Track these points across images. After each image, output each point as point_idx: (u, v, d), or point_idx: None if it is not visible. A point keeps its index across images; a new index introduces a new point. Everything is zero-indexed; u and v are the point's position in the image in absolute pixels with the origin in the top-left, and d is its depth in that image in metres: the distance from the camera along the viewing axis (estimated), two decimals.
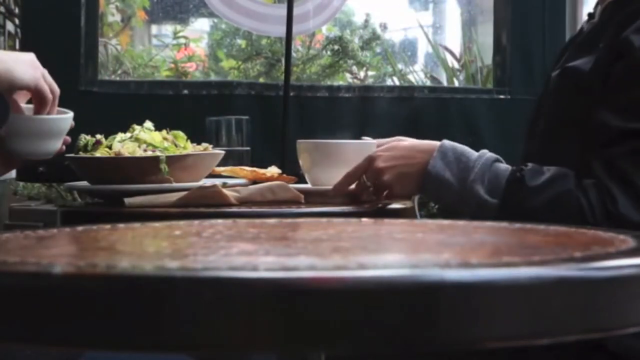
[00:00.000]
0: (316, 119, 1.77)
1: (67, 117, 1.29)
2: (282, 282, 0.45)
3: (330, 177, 1.35)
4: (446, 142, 1.24)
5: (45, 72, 1.25)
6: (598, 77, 1.15)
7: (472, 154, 1.22)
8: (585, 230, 0.72)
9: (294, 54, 3.26)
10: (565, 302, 0.48)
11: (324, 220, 0.88)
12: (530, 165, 1.18)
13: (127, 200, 1.34)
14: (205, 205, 1.31)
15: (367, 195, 1.33)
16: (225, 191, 1.34)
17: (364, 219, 0.88)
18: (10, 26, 3.16)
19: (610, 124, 1.12)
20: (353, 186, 1.32)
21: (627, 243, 0.61)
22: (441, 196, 1.24)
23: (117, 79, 3.26)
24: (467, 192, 1.19)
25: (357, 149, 1.38)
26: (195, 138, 1.52)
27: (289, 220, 0.91)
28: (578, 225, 1.12)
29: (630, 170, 1.11)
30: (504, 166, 1.21)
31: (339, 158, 1.39)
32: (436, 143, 1.24)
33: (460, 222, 0.86)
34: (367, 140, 1.42)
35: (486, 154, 1.22)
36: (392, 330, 0.45)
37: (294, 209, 1.28)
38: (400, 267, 0.51)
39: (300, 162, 1.45)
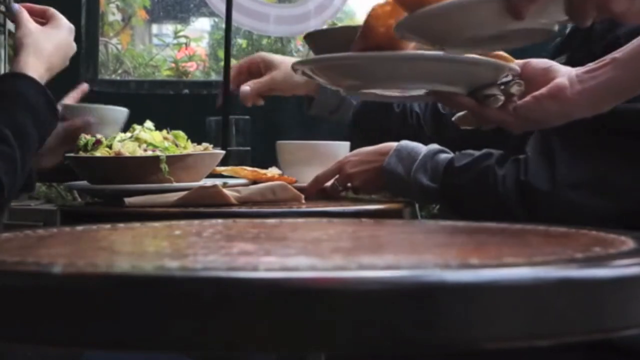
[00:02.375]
0: (316, 119, 1.76)
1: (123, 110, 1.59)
2: (282, 282, 0.45)
3: (306, 176, 1.49)
4: (404, 142, 1.37)
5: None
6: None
7: (422, 148, 1.34)
8: (586, 232, 0.72)
9: (294, 54, 3.25)
10: (566, 303, 0.48)
11: (324, 220, 0.88)
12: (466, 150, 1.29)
13: (127, 200, 1.34)
14: (205, 205, 1.31)
15: (338, 194, 1.46)
16: (226, 191, 1.34)
17: (364, 219, 0.88)
18: (10, 25, 3.16)
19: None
20: (328, 183, 1.45)
21: (628, 244, 0.61)
22: (396, 189, 1.37)
23: (118, 78, 3.26)
24: (412, 180, 1.31)
25: (329, 150, 1.54)
26: (195, 138, 1.52)
27: (289, 220, 0.91)
28: (494, 197, 1.18)
29: (557, 149, 1.17)
30: (446, 155, 1.31)
31: (313, 157, 1.54)
32: (395, 144, 1.37)
33: (461, 223, 0.86)
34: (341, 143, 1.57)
35: (432, 146, 1.34)
36: (393, 331, 0.45)
37: (294, 209, 1.27)
38: (400, 267, 0.51)
39: (279, 161, 1.59)
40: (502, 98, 1.05)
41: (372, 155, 1.40)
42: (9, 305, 0.47)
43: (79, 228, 0.80)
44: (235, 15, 2.32)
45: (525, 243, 0.70)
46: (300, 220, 0.95)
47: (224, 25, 1.96)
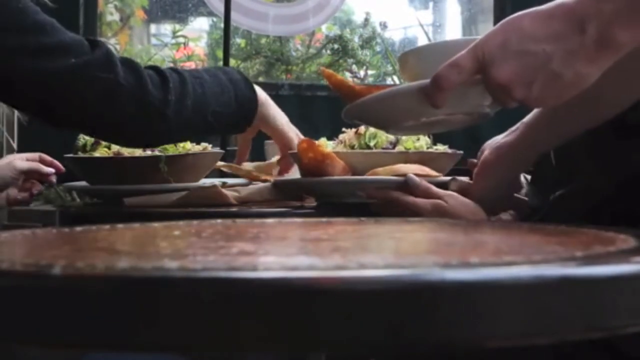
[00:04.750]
0: (316, 118, 1.77)
1: None
2: (282, 282, 0.45)
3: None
4: None
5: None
6: None
7: None
8: (586, 230, 0.72)
9: (293, 53, 3.25)
10: (567, 301, 0.48)
11: (324, 219, 0.88)
12: None
13: (127, 200, 1.34)
14: (205, 205, 1.31)
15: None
16: (225, 191, 1.34)
17: (364, 219, 0.88)
18: None
19: None
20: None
21: (628, 242, 0.61)
22: None
23: None
24: None
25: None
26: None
27: (289, 220, 0.91)
28: None
29: None
30: None
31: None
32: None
33: (461, 222, 0.86)
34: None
35: None
36: (393, 330, 0.44)
37: (294, 209, 1.27)
38: (400, 266, 0.51)
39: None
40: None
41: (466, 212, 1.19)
42: (9, 306, 0.47)
43: (78, 229, 0.80)
44: (233, 14, 2.32)
45: (525, 242, 0.70)
46: (299, 220, 0.95)
47: (222, 25, 1.97)
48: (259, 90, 1.35)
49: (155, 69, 1.24)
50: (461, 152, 1.38)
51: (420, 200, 1.20)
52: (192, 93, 1.22)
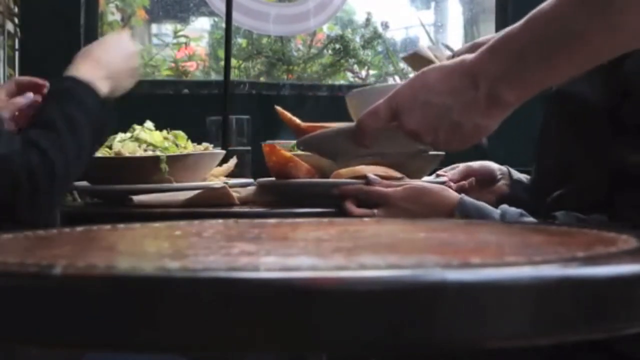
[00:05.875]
0: (317, 119, 1.76)
1: None
2: (283, 282, 0.45)
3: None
4: (465, 198, 1.25)
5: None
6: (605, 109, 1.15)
7: (490, 209, 1.21)
8: (587, 230, 0.72)
9: (294, 53, 3.25)
10: (568, 302, 0.47)
11: (325, 220, 0.88)
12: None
13: (136, 198, 1.34)
14: (212, 206, 1.32)
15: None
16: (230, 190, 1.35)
17: (366, 219, 0.88)
18: (10, 26, 3.16)
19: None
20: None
21: (630, 243, 0.61)
22: None
23: None
24: None
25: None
26: (195, 138, 1.52)
27: (290, 220, 0.90)
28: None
29: None
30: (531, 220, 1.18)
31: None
32: (454, 200, 1.24)
33: (462, 222, 0.85)
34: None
35: (509, 210, 1.19)
36: (394, 331, 0.44)
37: (294, 209, 1.27)
38: (401, 267, 0.50)
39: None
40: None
41: (428, 211, 1.25)
42: (9, 306, 0.47)
43: (79, 229, 0.80)
44: (235, 14, 2.32)
45: (527, 242, 0.70)
46: (300, 220, 0.95)
47: (223, 25, 1.96)
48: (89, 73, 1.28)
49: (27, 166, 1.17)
50: (442, 153, 1.38)
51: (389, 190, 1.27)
52: (61, 176, 1.18)
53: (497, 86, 0.82)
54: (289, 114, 1.23)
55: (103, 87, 1.27)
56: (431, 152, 1.39)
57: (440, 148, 0.94)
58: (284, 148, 1.40)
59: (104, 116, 1.26)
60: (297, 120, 1.22)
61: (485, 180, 1.51)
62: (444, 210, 1.24)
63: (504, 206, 1.21)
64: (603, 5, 0.76)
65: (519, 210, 1.19)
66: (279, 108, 1.37)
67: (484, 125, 0.87)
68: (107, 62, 1.31)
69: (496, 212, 1.19)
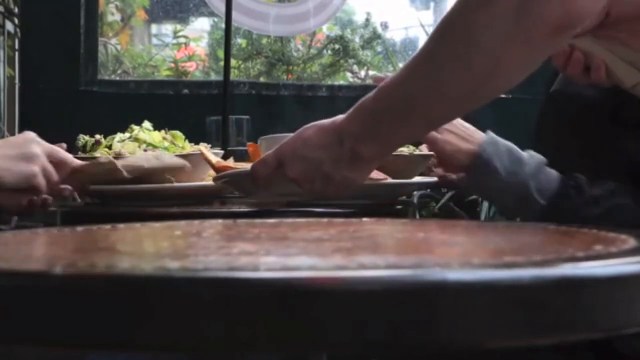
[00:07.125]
0: (316, 119, 1.76)
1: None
2: (283, 282, 0.45)
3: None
4: (491, 133, 1.22)
5: (52, 149, 1.27)
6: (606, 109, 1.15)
7: (520, 151, 1.20)
8: (587, 230, 0.72)
9: (294, 53, 3.26)
10: (568, 302, 0.47)
11: (324, 220, 0.88)
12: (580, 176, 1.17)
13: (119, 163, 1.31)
14: (100, 182, 1.32)
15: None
16: (118, 163, 1.29)
17: (365, 219, 0.88)
18: (9, 26, 3.16)
19: None
20: None
21: (629, 242, 0.61)
22: (483, 181, 1.19)
23: (117, 78, 3.26)
24: (515, 185, 1.16)
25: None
26: (195, 138, 1.52)
27: (290, 220, 0.91)
28: None
29: None
30: (555, 172, 1.18)
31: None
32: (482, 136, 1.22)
33: (462, 222, 0.86)
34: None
35: (536, 155, 1.19)
36: (394, 331, 0.44)
37: (294, 209, 1.27)
38: (401, 267, 0.51)
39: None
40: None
41: (464, 130, 1.23)
42: (9, 306, 0.47)
43: (79, 229, 0.80)
44: (234, 14, 2.32)
45: (526, 242, 0.70)
46: (300, 220, 0.95)
47: (223, 25, 1.96)
48: None
49: None
50: (430, 153, 1.38)
51: None
52: None
53: (357, 145, 0.94)
54: (205, 154, 1.32)
55: None
56: (419, 154, 1.38)
57: (319, 196, 1.07)
58: None
59: None
60: (213, 160, 1.31)
61: None
62: (477, 136, 1.22)
63: (531, 151, 1.20)
64: (427, 67, 0.85)
65: (544, 159, 1.19)
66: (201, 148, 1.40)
67: (352, 177, 0.97)
68: None
69: (523, 154, 1.19)
